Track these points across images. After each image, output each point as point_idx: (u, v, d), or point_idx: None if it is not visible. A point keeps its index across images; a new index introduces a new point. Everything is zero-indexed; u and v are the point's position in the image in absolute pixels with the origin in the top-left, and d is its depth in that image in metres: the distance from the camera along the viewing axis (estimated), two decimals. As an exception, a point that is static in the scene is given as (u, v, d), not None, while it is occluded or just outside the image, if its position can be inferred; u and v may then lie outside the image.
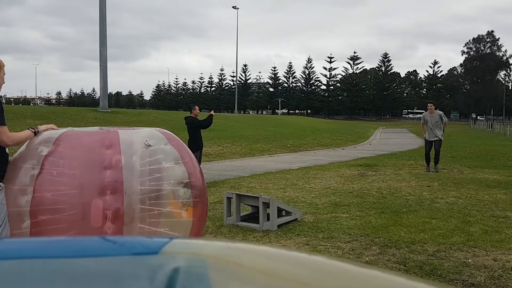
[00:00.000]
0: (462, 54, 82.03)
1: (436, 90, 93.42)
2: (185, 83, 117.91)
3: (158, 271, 0.68)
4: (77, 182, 2.89)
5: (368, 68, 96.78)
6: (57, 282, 0.68)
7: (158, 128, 3.65)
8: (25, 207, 2.87)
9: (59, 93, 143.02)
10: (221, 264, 0.71)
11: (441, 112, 10.85)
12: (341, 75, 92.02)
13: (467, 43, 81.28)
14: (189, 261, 0.71)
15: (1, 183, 2.94)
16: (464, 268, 4.03)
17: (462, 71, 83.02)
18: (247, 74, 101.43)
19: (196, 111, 8.68)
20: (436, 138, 10.66)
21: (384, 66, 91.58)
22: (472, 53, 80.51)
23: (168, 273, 0.68)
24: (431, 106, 10.77)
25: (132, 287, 0.66)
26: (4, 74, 3.10)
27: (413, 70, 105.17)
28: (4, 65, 3.10)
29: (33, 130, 3.12)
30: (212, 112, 8.82)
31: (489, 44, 79.81)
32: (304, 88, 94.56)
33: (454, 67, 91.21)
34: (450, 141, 22.14)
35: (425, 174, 10.38)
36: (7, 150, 3.04)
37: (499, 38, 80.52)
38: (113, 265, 0.71)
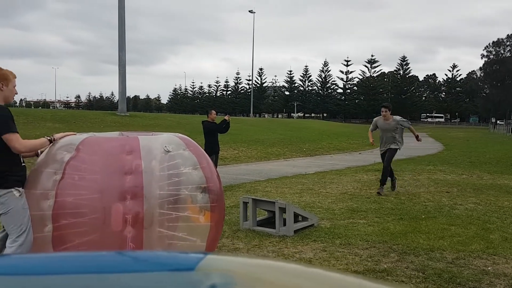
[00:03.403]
0: (481, 58, 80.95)
1: (455, 94, 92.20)
2: (201, 87, 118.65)
3: (194, 287, 0.70)
4: (98, 186, 2.95)
5: (386, 72, 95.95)
6: None
7: (177, 134, 3.70)
8: (48, 211, 2.94)
9: (78, 97, 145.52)
10: (252, 282, 0.73)
11: (399, 117, 8.47)
12: (358, 78, 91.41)
13: (487, 46, 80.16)
14: (224, 278, 0.73)
15: (20, 188, 3.01)
16: (484, 276, 3.97)
17: (482, 74, 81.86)
18: (263, 78, 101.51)
19: (213, 115, 8.69)
20: (387, 148, 8.47)
21: (402, 69, 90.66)
22: (492, 56, 79.36)
23: None
24: (385, 111, 8.36)
25: None
26: (15, 86, 3.19)
27: (432, 74, 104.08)
28: (15, 77, 3.19)
29: (49, 138, 3.20)
30: (226, 118, 8.77)
31: (509, 48, 78.54)
32: (320, 91, 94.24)
33: (473, 70, 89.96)
34: (469, 146, 21.80)
35: (445, 179, 10.23)
36: (22, 160, 3.13)
37: (519, 41, 79.13)
38: (150, 281, 0.73)
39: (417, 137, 8.70)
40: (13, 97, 3.23)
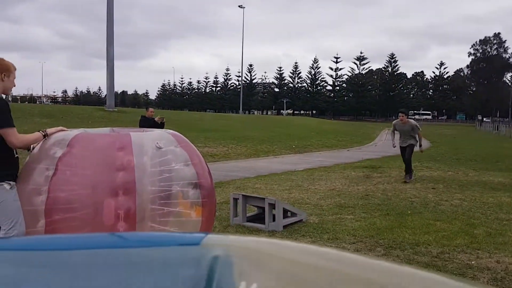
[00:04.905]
0: (468, 56, 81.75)
1: (443, 91, 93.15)
2: (190, 82, 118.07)
3: (201, 258, 0.91)
4: (90, 182, 2.98)
5: (374, 69, 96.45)
6: (122, 268, 0.91)
7: (168, 130, 3.74)
8: (40, 206, 2.96)
9: (65, 92, 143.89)
10: (246, 252, 0.91)
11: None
12: (347, 75, 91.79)
13: (474, 44, 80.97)
14: (224, 251, 0.92)
15: (11, 182, 3.03)
16: (468, 270, 4.09)
17: (469, 72, 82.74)
18: (253, 74, 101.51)
19: (149, 112, 9.69)
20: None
21: (391, 66, 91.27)
22: (478, 54, 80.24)
23: (209, 259, 0.90)
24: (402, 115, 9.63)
25: (181, 271, 0.90)
26: (14, 78, 3.20)
27: (420, 71, 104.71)
28: (15, 69, 3.19)
29: (43, 133, 3.20)
30: (157, 119, 9.23)
31: (495, 46, 79.49)
32: (309, 88, 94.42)
33: (461, 68, 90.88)
34: (456, 144, 22.09)
35: (431, 176, 10.40)
36: (15, 152, 3.13)
37: (506, 40, 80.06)
38: (165, 253, 0.94)
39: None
40: (12, 89, 3.23)
